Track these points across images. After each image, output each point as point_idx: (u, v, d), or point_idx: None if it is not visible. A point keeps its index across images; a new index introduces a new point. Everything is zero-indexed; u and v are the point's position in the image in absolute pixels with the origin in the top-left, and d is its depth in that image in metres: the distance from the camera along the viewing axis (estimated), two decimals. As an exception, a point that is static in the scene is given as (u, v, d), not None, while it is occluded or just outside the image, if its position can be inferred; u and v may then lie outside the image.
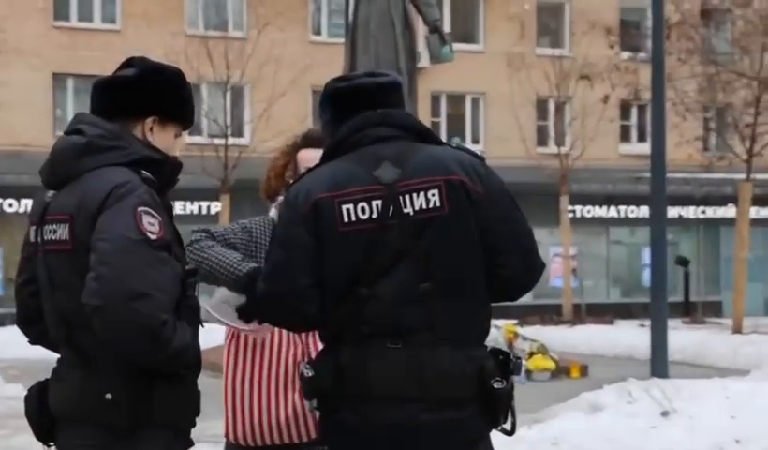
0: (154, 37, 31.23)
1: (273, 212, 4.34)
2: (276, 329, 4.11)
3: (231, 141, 28.12)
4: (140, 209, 3.29)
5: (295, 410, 4.06)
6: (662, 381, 11.13)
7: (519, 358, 3.69)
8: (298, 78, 29.61)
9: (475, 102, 34.88)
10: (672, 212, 28.90)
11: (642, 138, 35.88)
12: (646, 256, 35.74)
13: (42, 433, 3.57)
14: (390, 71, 3.87)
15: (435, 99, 33.53)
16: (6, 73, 30.62)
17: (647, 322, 26.29)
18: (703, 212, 35.70)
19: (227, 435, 4.15)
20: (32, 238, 3.55)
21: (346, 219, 3.50)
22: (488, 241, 3.55)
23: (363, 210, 3.50)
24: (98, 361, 3.36)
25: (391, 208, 3.50)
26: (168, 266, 3.32)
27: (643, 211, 35.59)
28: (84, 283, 3.26)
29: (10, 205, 30.69)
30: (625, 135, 36.32)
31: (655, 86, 13.19)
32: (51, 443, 3.57)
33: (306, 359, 3.90)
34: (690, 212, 35.45)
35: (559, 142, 30.88)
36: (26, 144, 29.68)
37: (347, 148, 3.62)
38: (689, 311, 32.18)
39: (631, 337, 22.09)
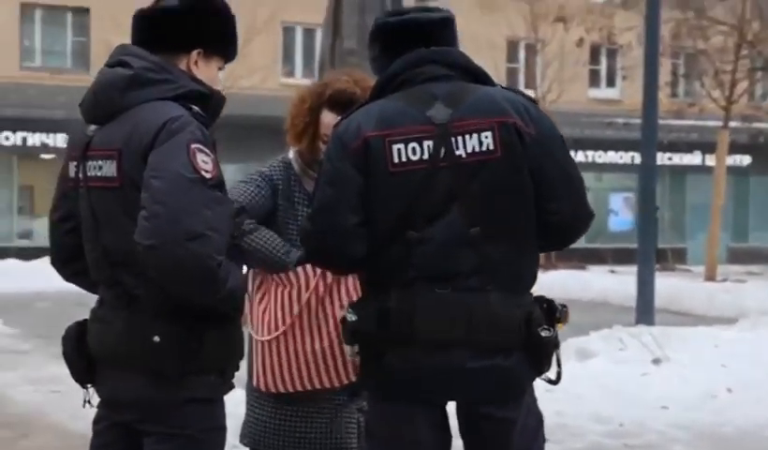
0: (123, -30, 30.79)
1: (291, 154, 4.22)
2: (301, 275, 4.01)
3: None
4: (193, 146, 3.16)
5: (324, 355, 3.99)
6: (651, 328, 11.15)
7: (565, 306, 3.62)
8: (271, 15, 29.23)
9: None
10: (640, 158, 28.92)
11: (611, 83, 35.88)
12: (612, 202, 36.09)
13: (81, 375, 3.46)
14: (443, 7, 3.73)
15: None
16: (-29, 3, 30.10)
17: (617, 268, 26.76)
18: (670, 158, 35.75)
19: (257, 385, 4.07)
20: (72, 174, 3.41)
21: (396, 159, 3.40)
22: (539, 186, 3.47)
23: (414, 150, 3.41)
24: (144, 302, 3.25)
25: (443, 149, 3.41)
26: (222, 206, 3.20)
27: (611, 156, 35.68)
28: (132, 221, 3.14)
29: (-25, 136, 30.32)
30: (594, 80, 36.24)
31: (649, 31, 13.08)
32: (89, 385, 3.46)
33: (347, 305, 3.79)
34: (657, 158, 35.50)
35: (530, 86, 30.75)
36: (-8, 76, 29.32)
37: (398, 86, 3.51)
38: (659, 258, 32.31)
39: (603, 282, 22.45)
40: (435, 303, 3.40)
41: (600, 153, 35.61)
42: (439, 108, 3.43)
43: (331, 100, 4.10)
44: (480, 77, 3.57)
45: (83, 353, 3.42)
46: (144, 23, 3.44)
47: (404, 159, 3.40)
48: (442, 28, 3.61)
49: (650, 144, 13.31)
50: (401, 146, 3.40)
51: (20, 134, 30.44)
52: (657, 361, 9.66)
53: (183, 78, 3.35)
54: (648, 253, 13.27)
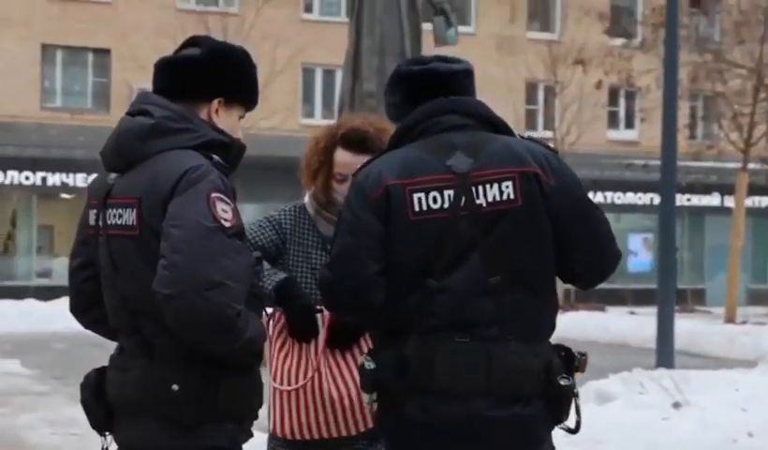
0: (145, 11, 31.01)
1: (306, 199, 4.22)
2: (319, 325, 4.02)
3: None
4: (213, 195, 3.17)
5: (346, 403, 3.98)
6: (671, 372, 11.09)
7: (584, 354, 3.60)
8: (291, 56, 29.38)
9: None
10: (659, 199, 28.93)
11: (629, 125, 35.90)
12: (632, 243, 35.96)
13: (99, 423, 3.45)
14: (462, 59, 3.75)
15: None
16: (-6, 43, 30.34)
17: (636, 310, 26.66)
18: (689, 200, 35.66)
19: (274, 431, 4.06)
20: (92, 221, 3.42)
21: (417, 208, 3.41)
22: (562, 237, 3.47)
23: (435, 199, 3.41)
24: (163, 350, 3.24)
25: (464, 199, 3.41)
26: (241, 255, 3.20)
27: (629, 197, 35.63)
28: (151, 269, 3.14)
29: (-5, 176, 30.50)
30: (612, 121, 36.27)
31: (668, 74, 13.11)
32: (107, 433, 3.45)
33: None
34: (676, 199, 35.42)
35: (549, 128, 30.80)
36: (14, 116, 29.47)
37: (417, 135, 3.52)
38: (678, 299, 32.19)
39: (622, 323, 22.32)
40: (454, 352, 3.39)
41: (619, 194, 35.59)
42: (460, 157, 3.44)
43: (344, 138, 4.10)
44: (499, 127, 3.58)
45: (102, 401, 3.41)
46: (166, 72, 3.45)
47: (424, 208, 3.40)
48: (462, 79, 3.63)
49: (669, 186, 13.32)
50: (421, 195, 3.41)
51: (39, 174, 30.62)
52: (677, 405, 9.58)
53: (203, 127, 3.36)
54: (668, 294, 13.21)
